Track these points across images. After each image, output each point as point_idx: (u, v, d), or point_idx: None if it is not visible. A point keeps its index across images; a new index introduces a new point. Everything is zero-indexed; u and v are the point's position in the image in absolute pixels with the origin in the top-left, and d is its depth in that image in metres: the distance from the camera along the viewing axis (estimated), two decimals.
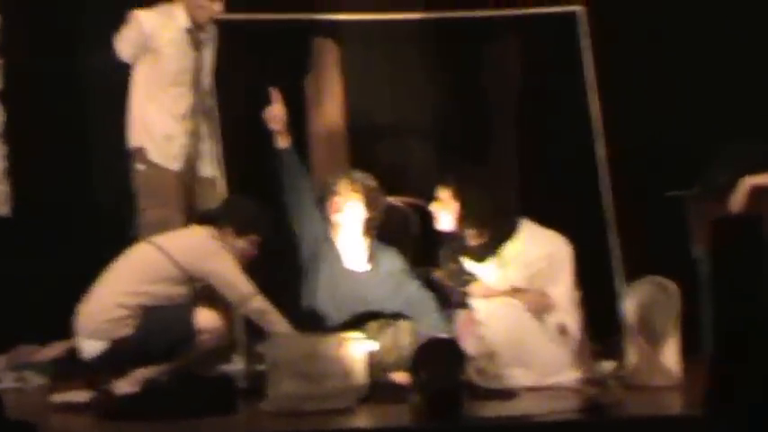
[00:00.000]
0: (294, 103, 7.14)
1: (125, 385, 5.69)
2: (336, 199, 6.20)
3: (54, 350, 6.55)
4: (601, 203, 7.28)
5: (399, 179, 7.24)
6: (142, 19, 6.36)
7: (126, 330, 5.77)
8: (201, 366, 5.92)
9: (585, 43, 7.39)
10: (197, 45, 6.44)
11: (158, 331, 5.75)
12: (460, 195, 6.15)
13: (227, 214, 6.05)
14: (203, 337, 5.85)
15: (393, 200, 6.64)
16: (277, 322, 5.85)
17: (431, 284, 6.30)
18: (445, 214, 6.21)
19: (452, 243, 6.28)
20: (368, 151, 7.41)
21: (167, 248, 5.87)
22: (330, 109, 7.39)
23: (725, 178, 6.52)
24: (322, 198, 6.24)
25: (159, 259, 5.85)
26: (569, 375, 5.95)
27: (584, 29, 7.39)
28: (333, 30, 7.37)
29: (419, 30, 7.49)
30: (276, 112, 6.18)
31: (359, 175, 6.29)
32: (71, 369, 6.07)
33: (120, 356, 5.76)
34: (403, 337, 5.89)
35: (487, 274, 6.17)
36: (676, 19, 7.49)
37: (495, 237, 6.17)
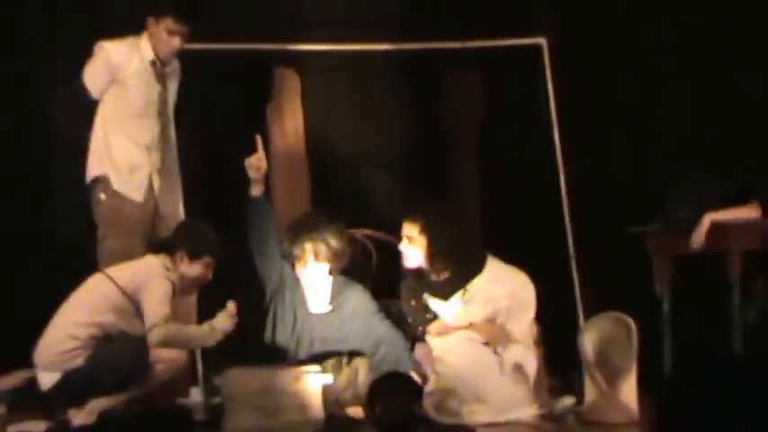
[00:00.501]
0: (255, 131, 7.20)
1: (81, 416, 5.66)
2: (301, 263, 6.15)
3: (13, 379, 6.46)
4: (562, 237, 7.26)
5: (360, 210, 7.23)
6: (109, 50, 6.36)
7: (77, 361, 5.75)
8: (158, 398, 5.90)
9: (548, 75, 7.38)
10: (161, 78, 6.45)
11: (109, 362, 5.72)
12: (428, 232, 6.11)
13: (180, 239, 6.06)
14: (159, 369, 5.83)
15: (353, 232, 6.61)
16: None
17: (392, 316, 6.27)
18: (413, 251, 6.17)
19: (415, 279, 6.25)
20: (329, 181, 7.40)
21: (117, 278, 5.87)
22: (291, 138, 7.35)
23: (686, 214, 6.53)
24: (286, 253, 6.19)
25: (109, 289, 5.85)
26: (527, 411, 5.93)
27: (547, 61, 7.39)
28: (295, 60, 7.35)
29: (382, 61, 7.48)
30: (258, 162, 6.12)
31: (322, 235, 6.13)
32: (29, 399, 6.00)
33: (73, 387, 5.73)
34: (360, 373, 5.87)
35: (449, 310, 6.15)
36: (639, 53, 7.51)
37: (461, 273, 6.15)
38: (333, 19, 7.42)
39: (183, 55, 6.55)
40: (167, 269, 5.93)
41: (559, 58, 7.40)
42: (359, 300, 6.22)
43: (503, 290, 6.12)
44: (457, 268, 6.15)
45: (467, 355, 5.97)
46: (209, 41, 6.85)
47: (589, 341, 5.98)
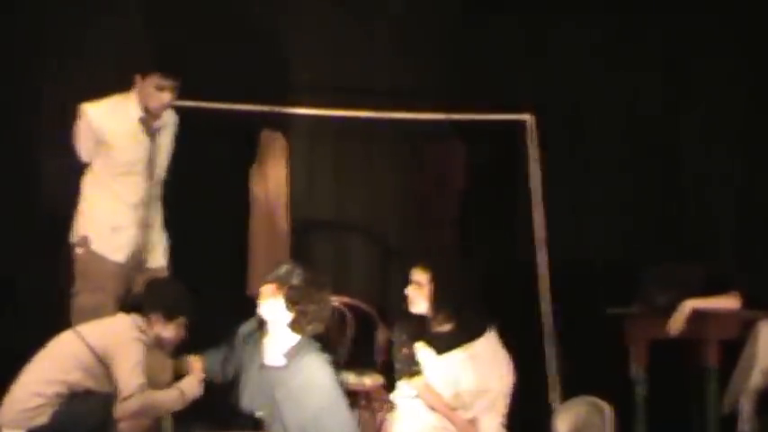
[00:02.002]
0: (238, 191, 7.17)
1: None
2: (261, 295, 6.14)
3: None
4: (538, 315, 7.23)
5: (338, 276, 7.21)
6: (90, 113, 6.31)
7: (42, 419, 5.67)
8: None
9: (533, 152, 7.38)
10: (150, 134, 6.38)
11: (73, 421, 5.64)
12: (438, 281, 6.11)
13: (154, 301, 5.98)
14: (123, 428, 5.74)
15: (332, 299, 6.55)
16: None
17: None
18: (420, 298, 6.17)
19: (414, 326, 6.22)
20: (309, 246, 7.36)
21: (87, 337, 5.80)
22: (273, 199, 7.32)
23: (664, 299, 6.51)
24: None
25: (78, 348, 5.77)
26: None
27: (532, 137, 7.39)
28: (281, 122, 7.32)
29: (367, 127, 7.46)
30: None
31: (286, 271, 6.17)
32: None
33: None
34: None
35: (439, 367, 6.09)
36: (623, 131, 7.54)
37: (463, 330, 6.15)
38: (320, 84, 7.40)
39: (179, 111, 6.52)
40: (141, 330, 5.87)
41: (542, 134, 7.40)
42: (316, 365, 6.15)
43: (488, 377, 6.10)
44: (460, 324, 6.14)
45: None
46: (197, 99, 6.83)
47: (563, 425, 5.93)
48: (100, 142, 6.29)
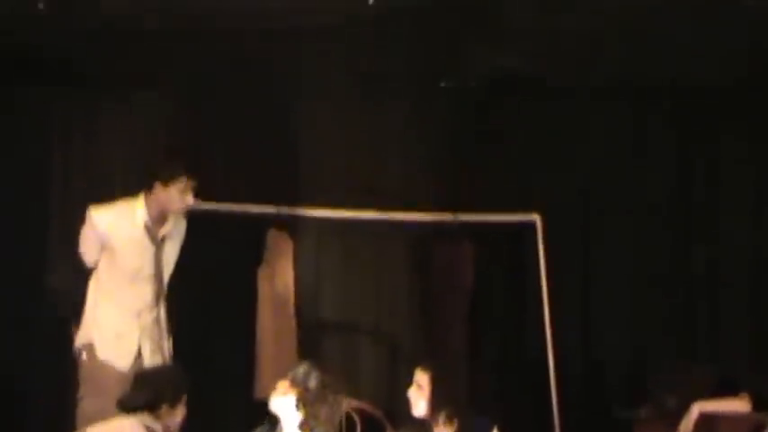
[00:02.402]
0: (246, 291, 7.16)
1: None
2: (275, 391, 6.09)
3: None
4: (548, 417, 7.19)
5: (346, 378, 7.16)
6: (95, 218, 6.31)
7: None
8: None
9: (541, 251, 7.38)
10: (156, 240, 6.38)
11: None
12: (437, 382, 6.08)
13: (156, 394, 5.87)
14: None
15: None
16: None
17: None
18: (421, 400, 6.12)
19: (419, 429, 6.18)
20: (316, 347, 7.34)
21: None
22: (281, 299, 7.30)
23: (673, 402, 6.47)
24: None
25: None
26: None
27: (540, 237, 7.40)
28: (288, 222, 7.33)
29: (374, 228, 7.48)
30: None
31: (304, 372, 6.13)
32: None
33: None
34: None
35: None
36: (632, 231, 7.55)
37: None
38: (328, 185, 7.42)
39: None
40: (148, 428, 5.81)
41: (551, 235, 7.41)
42: None
43: None
44: (462, 428, 6.08)
45: None
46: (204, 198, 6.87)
47: None
48: (105, 248, 6.29)
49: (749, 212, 7.47)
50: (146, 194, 6.29)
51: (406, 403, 6.40)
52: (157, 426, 5.84)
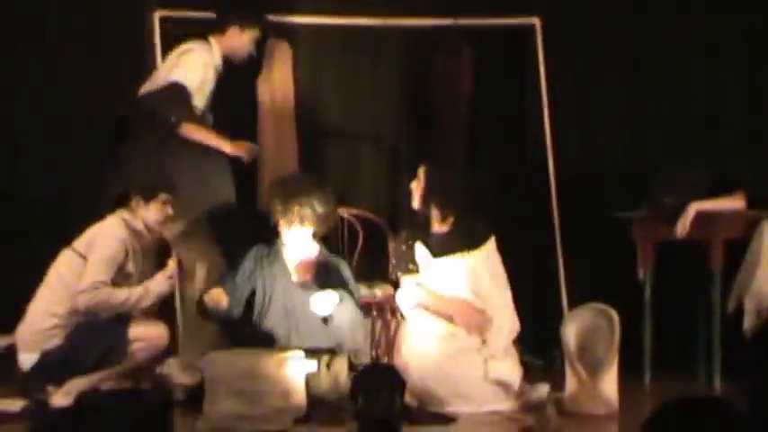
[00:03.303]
0: (247, 101, 7.15)
1: (59, 397, 5.64)
2: (285, 226, 6.09)
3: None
4: (549, 220, 7.25)
5: (348, 187, 7.23)
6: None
7: (55, 341, 5.79)
8: (137, 378, 5.88)
9: (540, 55, 7.34)
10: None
11: (85, 342, 5.75)
12: (430, 173, 6.17)
13: (130, 184, 6.02)
14: (138, 348, 5.82)
15: (340, 211, 6.58)
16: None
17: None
18: (416, 192, 6.23)
19: (418, 226, 6.26)
20: (317, 154, 7.36)
21: (78, 248, 5.88)
22: (282, 109, 7.29)
23: (671, 202, 6.53)
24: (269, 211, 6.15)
25: (75, 261, 5.86)
26: (506, 404, 5.92)
27: (539, 41, 7.35)
28: (287, 31, 7.27)
29: (373, 35, 7.42)
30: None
31: (309, 200, 6.07)
32: (10, 378, 5.97)
33: (51, 367, 5.75)
34: (340, 370, 5.78)
35: (434, 269, 6.13)
36: (631, 38, 7.48)
37: (460, 233, 6.16)
38: None
39: None
40: (125, 221, 5.89)
41: (551, 38, 7.35)
42: (341, 270, 6.17)
43: (487, 274, 6.13)
44: (458, 228, 6.15)
45: (449, 357, 5.95)
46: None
47: (571, 332, 5.98)
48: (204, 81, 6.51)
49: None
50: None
51: (406, 210, 6.49)
52: (138, 223, 5.93)
